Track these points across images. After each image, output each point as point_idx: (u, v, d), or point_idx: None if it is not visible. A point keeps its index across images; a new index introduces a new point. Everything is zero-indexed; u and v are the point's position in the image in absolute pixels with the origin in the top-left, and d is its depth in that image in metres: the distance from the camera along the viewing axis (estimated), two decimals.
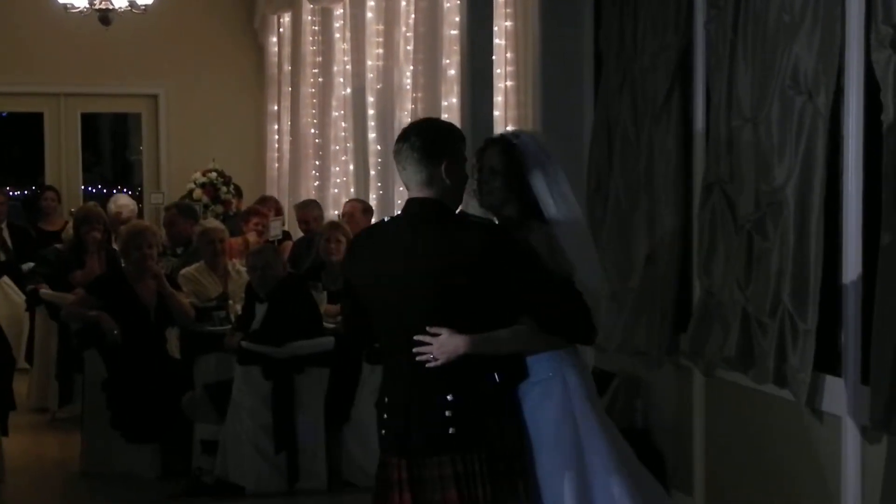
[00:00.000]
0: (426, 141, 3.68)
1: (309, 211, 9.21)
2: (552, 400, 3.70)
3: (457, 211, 3.77)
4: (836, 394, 4.60)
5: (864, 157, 4.48)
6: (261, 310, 6.70)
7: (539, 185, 3.89)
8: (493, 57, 7.12)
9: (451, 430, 3.55)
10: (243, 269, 7.52)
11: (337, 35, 10.32)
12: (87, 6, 10.21)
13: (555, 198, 3.87)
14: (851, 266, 4.52)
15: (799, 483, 4.92)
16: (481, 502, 3.56)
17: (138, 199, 12.46)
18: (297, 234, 9.55)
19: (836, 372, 4.61)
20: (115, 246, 8.31)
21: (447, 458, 3.56)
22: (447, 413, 3.55)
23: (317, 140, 10.85)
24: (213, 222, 8.38)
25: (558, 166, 3.91)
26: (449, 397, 3.56)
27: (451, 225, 3.65)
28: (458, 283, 3.56)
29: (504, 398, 3.67)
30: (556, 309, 3.64)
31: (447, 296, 3.58)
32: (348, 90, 9.98)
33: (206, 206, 11.11)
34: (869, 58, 4.33)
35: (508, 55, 7.30)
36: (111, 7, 10.19)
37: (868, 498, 4.50)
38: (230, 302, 7.37)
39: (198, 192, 11.35)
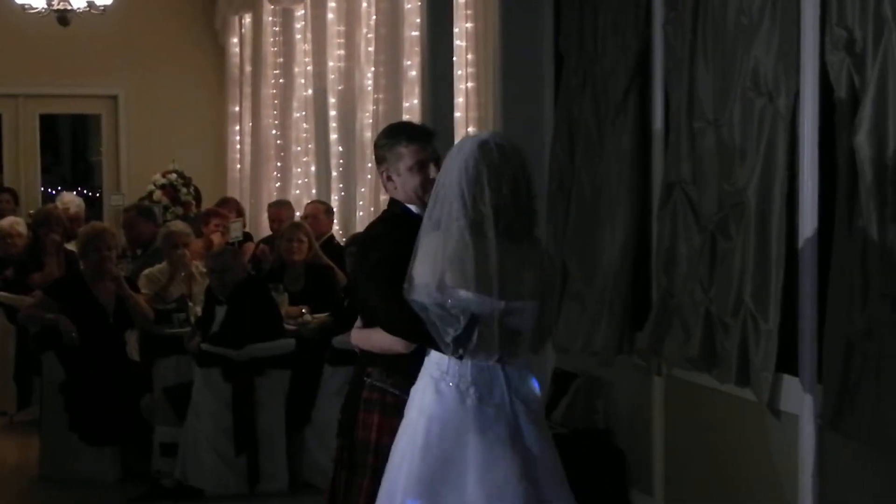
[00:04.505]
0: (375, 147, 3.99)
1: (284, 210, 9.19)
2: (413, 405, 3.60)
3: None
4: (794, 393, 4.63)
5: (819, 158, 4.52)
6: (220, 312, 6.67)
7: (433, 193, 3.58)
8: (454, 58, 7.12)
9: (339, 417, 3.92)
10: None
11: (298, 36, 10.29)
12: (45, 6, 10.13)
13: (435, 210, 3.52)
14: (808, 266, 4.56)
15: (757, 481, 4.96)
16: (340, 488, 3.83)
17: (98, 200, 12.38)
18: (266, 233, 9.53)
19: (794, 371, 4.65)
20: (72, 247, 8.25)
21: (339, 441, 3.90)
22: (342, 401, 3.93)
23: (278, 141, 10.81)
24: (178, 225, 8.32)
25: (455, 178, 3.46)
26: (347, 385, 3.97)
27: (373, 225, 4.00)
28: (357, 281, 3.99)
29: (371, 392, 3.78)
30: (379, 318, 3.71)
31: (355, 290, 4.07)
32: (309, 91, 9.96)
33: (165, 208, 11.04)
34: (824, 60, 4.36)
35: (469, 56, 7.30)
36: (69, 7, 10.11)
37: (825, 496, 4.53)
38: (190, 304, 7.33)
39: (157, 194, 11.28)
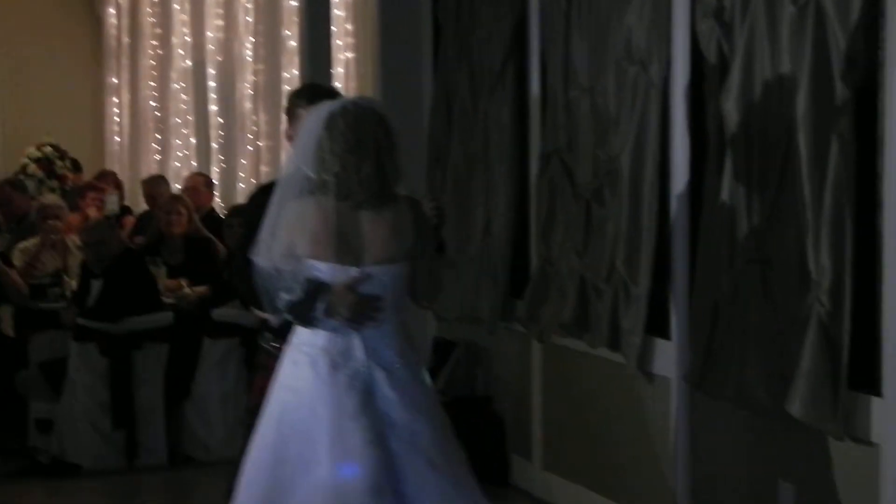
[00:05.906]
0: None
1: (155, 186, 9.03)
2: (277, 376, 3.63)
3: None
4: (666, 356, 4.72)
5: (690, 126, 4.60)
6: (96, 286, 6.57)
7: None
8: (333, 28, 7.08)
9: None
10: None
11: (176, 6, 10.12)
12: None
13: (286, 177, 3.58)
14: (679, 232, 4.65)
15: (632, 444, 5.05)
16: None
17: None
18: (144, 208, 9.37)
19: (668, 335, 4.74)
20: None
21: None
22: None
23: (157, 113, 10.65)
24: (50, 197, 8.17)
25: (304, 146, 3.51)
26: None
27: None
28: None
29: (262, 356, 3.98)
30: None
31: None
32: (188, 62, 9.83)
33: (40, 181, 10.80)
34: (694, 28, 4.44)
35: (348, 26, 7.27)
36: None
37: (696, 456, 4.64)
38: (66, 278, 7.20)
39: (32, 167, 11.02)
